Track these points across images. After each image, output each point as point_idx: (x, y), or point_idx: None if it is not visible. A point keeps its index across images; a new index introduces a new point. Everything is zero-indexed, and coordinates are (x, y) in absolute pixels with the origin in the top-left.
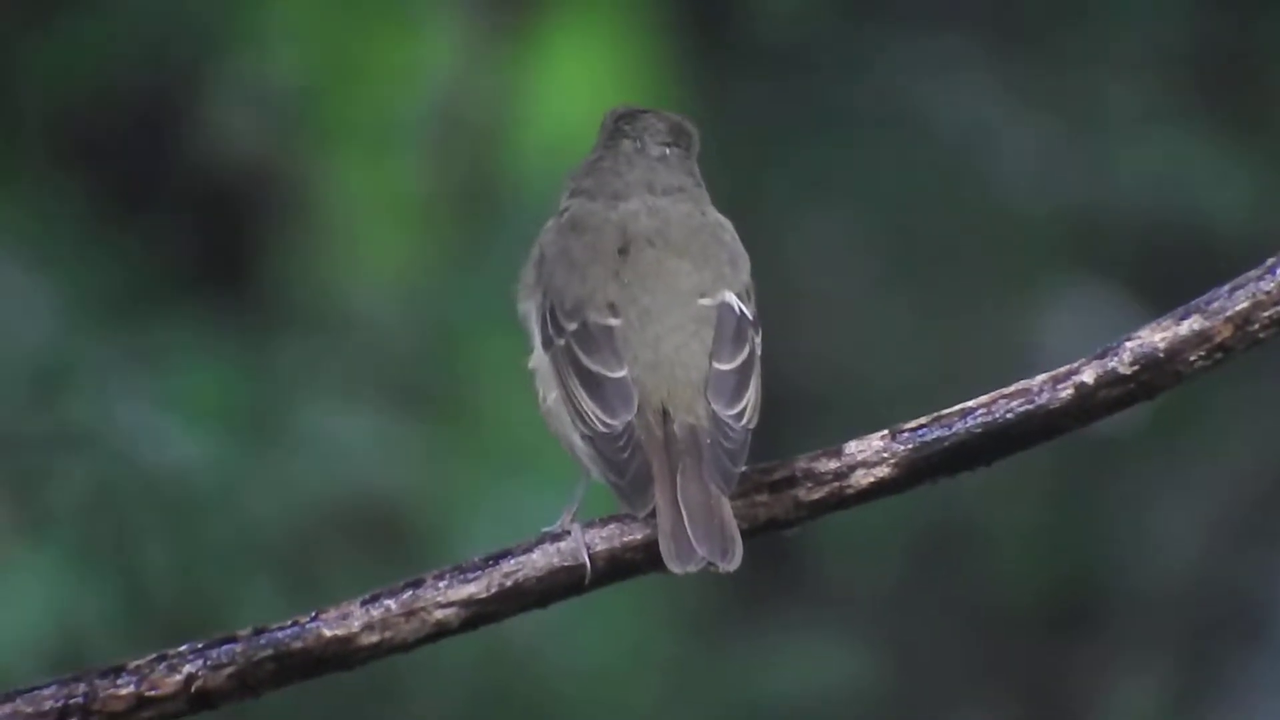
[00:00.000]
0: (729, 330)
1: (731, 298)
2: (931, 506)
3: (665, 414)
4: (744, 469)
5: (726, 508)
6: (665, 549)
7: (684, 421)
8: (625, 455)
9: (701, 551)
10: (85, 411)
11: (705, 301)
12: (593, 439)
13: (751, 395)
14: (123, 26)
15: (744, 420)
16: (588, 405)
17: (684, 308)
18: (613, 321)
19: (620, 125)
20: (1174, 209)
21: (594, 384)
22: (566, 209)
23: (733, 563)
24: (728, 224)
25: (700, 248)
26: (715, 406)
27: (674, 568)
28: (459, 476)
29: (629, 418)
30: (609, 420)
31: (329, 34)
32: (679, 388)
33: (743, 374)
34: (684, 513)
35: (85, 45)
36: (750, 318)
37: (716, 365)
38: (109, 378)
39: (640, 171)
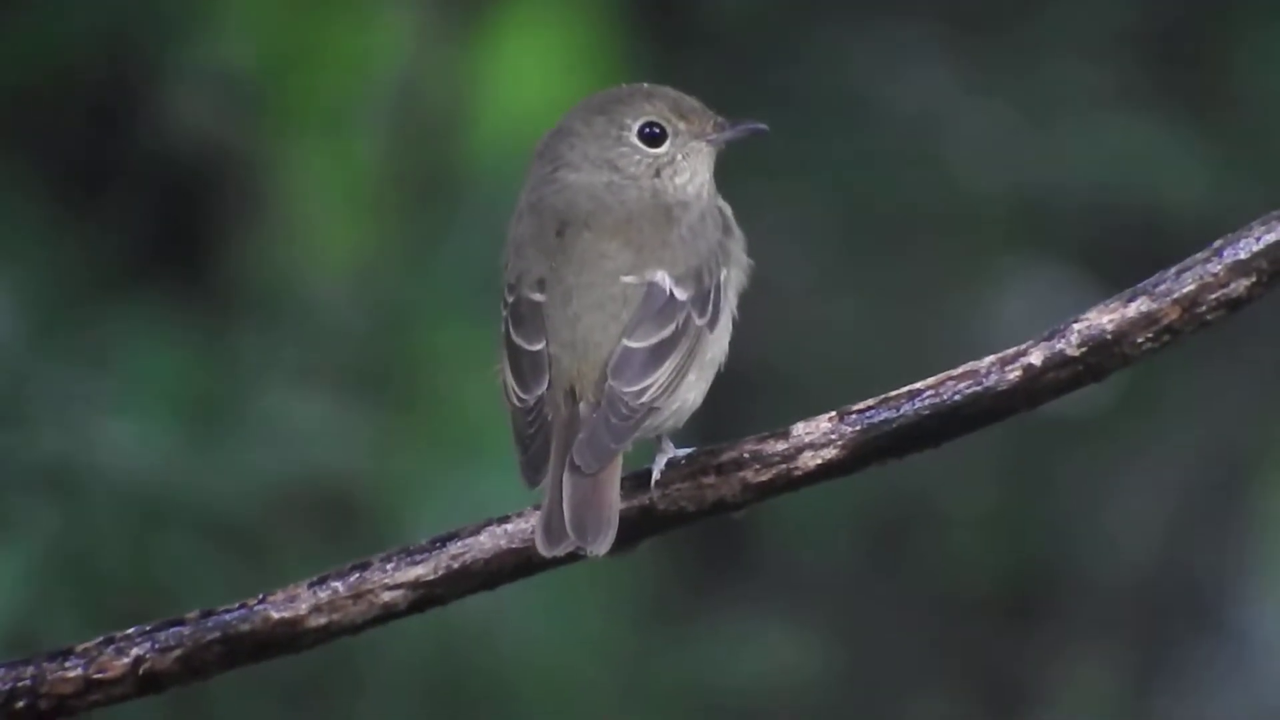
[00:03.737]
0: (652, 308)
1: (662, 277)
2: (888, 491)
3: (573, 393)
4: (627, 446)
5: (609, 490)
6: (537, 529)
7: (589, 400)
8: (531, 431)
9: (571, 534)
10: (41, 399)
11: (629, 279)
12: (511, 412)
13: (663, 375)
14: (79, 13)
15: (643, 398)
16: (509, 378)
17: (605, 287)
18: (538, 297)
19: (567, 134)
20: (1128, 193)
21: (516, 357)
22: (526, 194)
23: (601, 547)
24: (697, 205)
25: (639, 229)
26: (614, 382)
27: (541, 549)
28: (413, 461)
29: (540, 392)
30: (522, 394)
31: (285, 20)
32: (588, 367)
33: (657, 352)
34: (564, 493)
35: (41, 32)
36: (682, 299)
37: (626, 342)
38: (65, 365)
39: (594, 155)
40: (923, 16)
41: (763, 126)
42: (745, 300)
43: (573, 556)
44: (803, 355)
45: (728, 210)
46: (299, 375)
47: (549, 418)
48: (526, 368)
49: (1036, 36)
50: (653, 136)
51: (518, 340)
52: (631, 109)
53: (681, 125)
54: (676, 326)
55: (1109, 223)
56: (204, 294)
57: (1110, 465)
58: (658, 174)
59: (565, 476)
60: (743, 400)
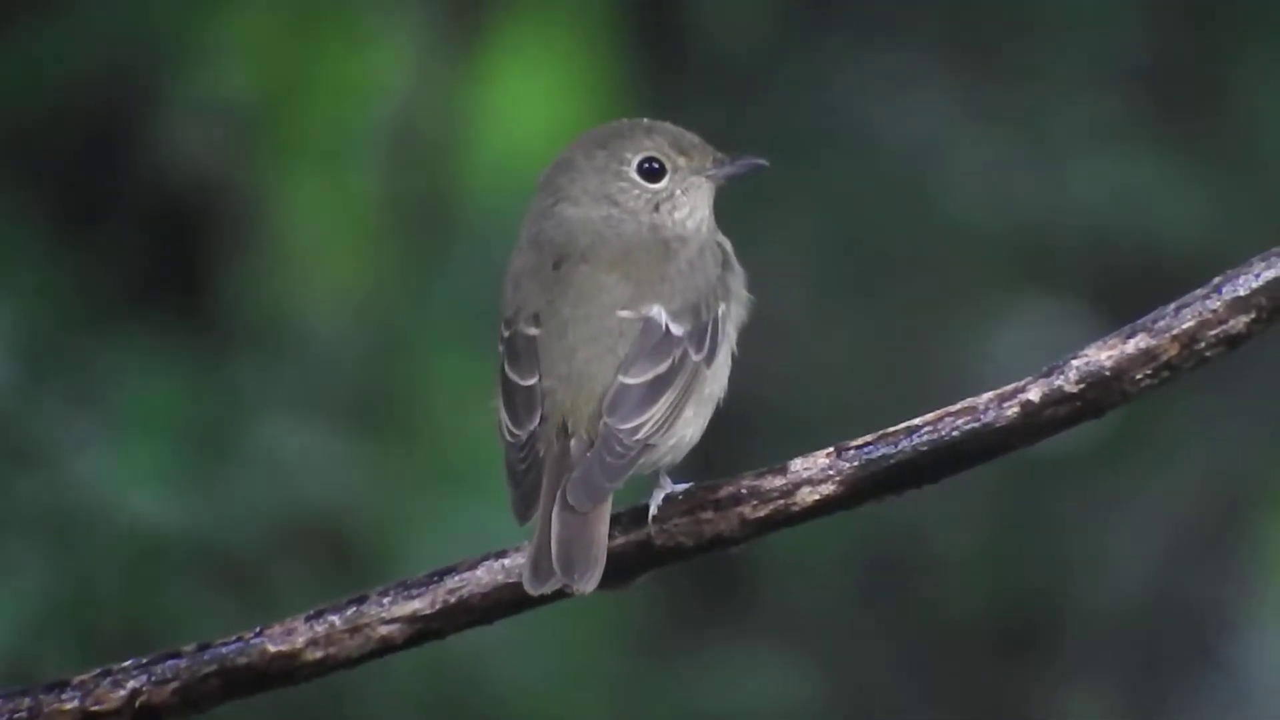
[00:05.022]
0: (648, 344)
1: (659, 312)
2: (883, 525)
3: (565, 428)
4: (619, 484)
5: (598, 528)
6: (525, 566)
7: (581, 437)
8: (523, 467)
9: (558, 572)
10: (37, 429)
11: (625, 314)
12: (504, 448)
13: (659, 411)
14: (77, 43)
15: (639, 435)
16: (503, 413)
17: (602, 320)
18: (534, 331)
19: (567, 167)
20: (1127, 226)
21: (510, 392)
22: (527, 227)
23: (588, 585)
24: (695, 240)
25: (636, 263)
26: (610, 419)
27: (528, 588)
28: (411, 494)
29: (533, 427)
30: (515, 430)
31: (282, 50)
32: (582, 401)
33: (653, 388)
34: (553, 531)
35: (39, 61)
36: (678, 334)
37: (622, 379)
38: (61, 397)
39: (593, 189)
40: (921, 49)
41: (763, 162)
42: (745, 335)
43: (561, 594)
44: (801, 390)
45: (728, 245)
46: (296, 407)
47: (541, 454)
48: (520, 403)
49: (1035, 70)
50: (652, 172)
51: (511, 375)
52: (631, 144)
53: (681, 160)
54: (672, 362)
55: (1109, 257)
56: (200, 325)
57: (1106, 500)
58: (656, 209)
59: (555, 513)
60: (741, 436)
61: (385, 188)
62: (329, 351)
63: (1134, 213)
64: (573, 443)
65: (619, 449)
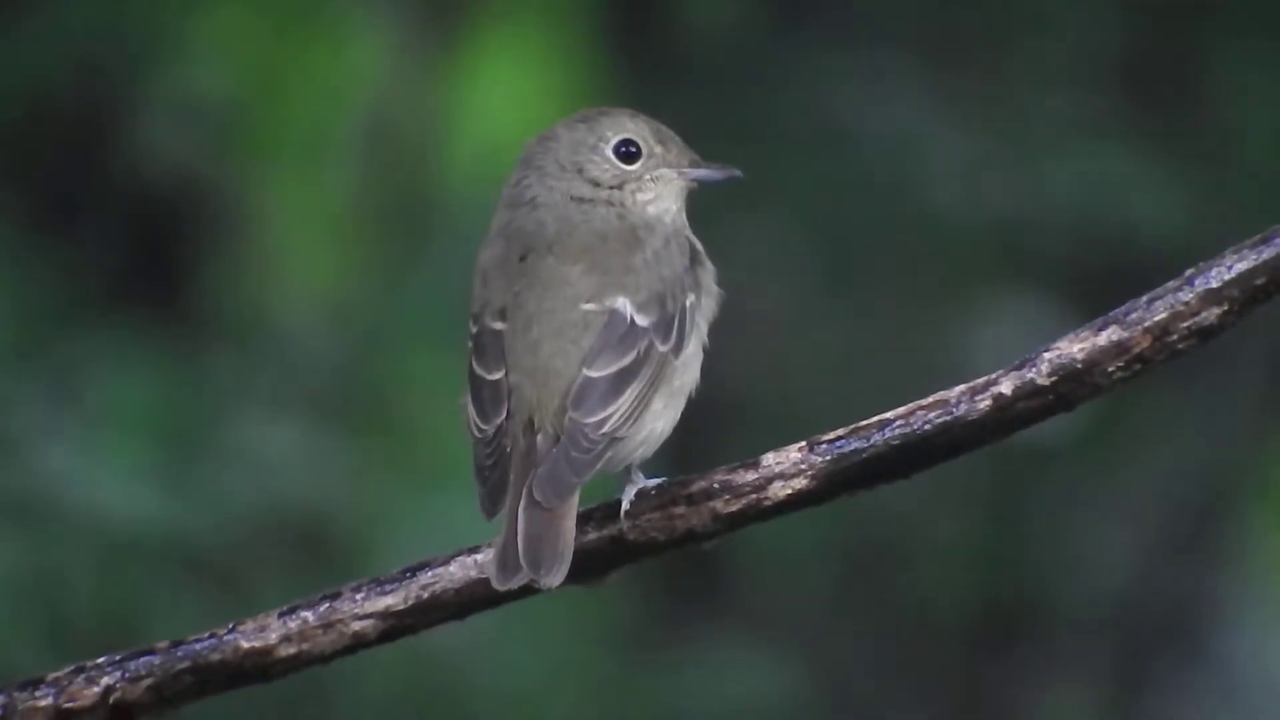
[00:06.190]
0: (613, 336)
1: (623, 304)
2: (863, 519)
3: (531, 423)
4: (582, 477)
5: (564, 523)
6: (492, 562)
7: (547, 431)
8: (490, 462)
9: (524, 567)
10: (10, 423)
11: (590, 307)
12: (472, 443)
13: (624, 404)
14: (55, 42)
15: (604, 428)
16: (470, 409)
17: (566, 313)
18: (499, 326)
19: (547, 138)
20: (1104, 221)
21: (477, 386)
22: (498, 214)
23: (554, 580)
24: (661, 229)
25: (603, 254)
26: (575, 414)
27: (495, 583)
28: (386, 489)
29: (499, 421)
30: (482, 424)
31: (259, 49)
32: (547, 395)
33: (618, 381)
34: (519, 526)
35: (16, 60)
36: (643, 325)
37: (586, 372)
38: (36, 390)
39: (558, 182)
40: (899, 47)
41: (738, 173)
42: (720, 331)
43: (528, 589)
44: (776, 385)
45: (698, 244)
46: (272, 403)
47: (507, 449)
48: (486, 398)
49: (1013, 66)
50: (628, 155)
51: (478, 370)
52: (614, 124)
53: (658, 149)
54: (638, 354)
55: (1086, 252)
56: (178, 322)
57: (1086, 492)
58: (620, 187)
59: (521, 509)
60: (718, 430)
61: (362, 185)
62: (305, 348)
63: (1110, 208)
64: (539, 438)
65: (585, 443)
